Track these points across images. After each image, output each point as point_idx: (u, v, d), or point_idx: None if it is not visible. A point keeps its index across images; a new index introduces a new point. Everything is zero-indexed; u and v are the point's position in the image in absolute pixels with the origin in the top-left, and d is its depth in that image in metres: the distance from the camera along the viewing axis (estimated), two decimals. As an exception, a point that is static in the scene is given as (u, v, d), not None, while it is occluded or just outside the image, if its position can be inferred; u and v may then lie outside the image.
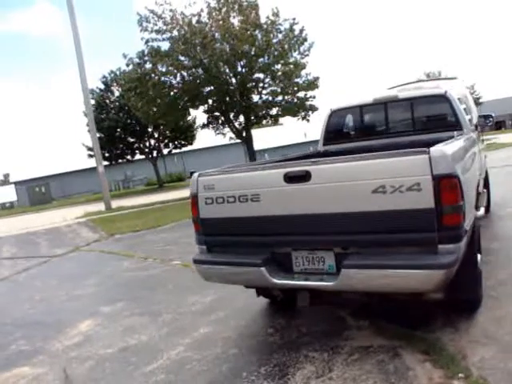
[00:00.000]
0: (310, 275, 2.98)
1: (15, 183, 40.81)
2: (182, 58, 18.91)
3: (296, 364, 3.15)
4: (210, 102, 20.26)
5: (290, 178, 2.92)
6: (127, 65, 19.71)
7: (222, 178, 3.28)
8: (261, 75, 19.61)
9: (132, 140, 35.97)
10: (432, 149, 2.58)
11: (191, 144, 39.14)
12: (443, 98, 4.90)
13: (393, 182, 2.59)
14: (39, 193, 34.73)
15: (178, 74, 19.18)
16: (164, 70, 18.82)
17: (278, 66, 19.72)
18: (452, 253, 2.55)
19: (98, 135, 33.72)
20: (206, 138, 37.05)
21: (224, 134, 22.59)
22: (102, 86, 34.53)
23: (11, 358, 4.15)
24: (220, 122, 21.87)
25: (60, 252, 9.70)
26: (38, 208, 29.23)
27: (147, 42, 19.06)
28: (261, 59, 19.37)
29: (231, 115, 20.73)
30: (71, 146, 36.39)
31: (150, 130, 34.80)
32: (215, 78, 18.81)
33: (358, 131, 5.60)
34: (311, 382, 2.91)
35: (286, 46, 18.71)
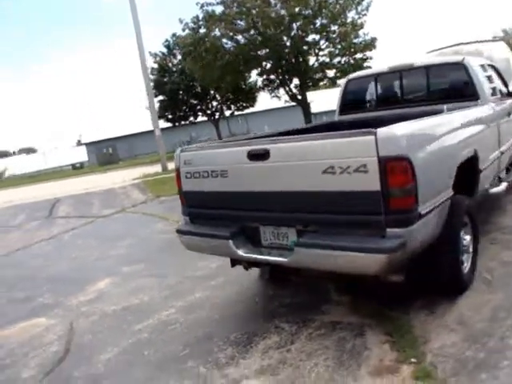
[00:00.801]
0: (274, 250, 3.06)
1: (86, 144, 43.30)
2: (236, 22, 18.79)
3: (264, 333, 3.30)
4: (265, 64, 20.06)
5: (252, 156, 2.98)
6: (183, 30, 19.93)
7: (197, 153, 3.42)
8: (316, 36, 19.03)
9: (194, 102, 36.58)
10: (379, 129, 2.51)
11: (253, 106, 39.18)
12: (460, 66, 4.65)
13: (341, 162, 2.57)
14: (107, 154, 36.67)
15: (232, 38, 19.10)
16: (218, 33, 18.82)
17: (335, 27, 19.02)
18: (399, 237, 2.51)
19: (161, 98, 35.06)
20: (268, 100, 36.96)
21: (279, 97, 22.41)
22: (165, 50, 35.13)
23: (35, 309, 4.68)
24: (275, 85, 21.68)
25: (107, 213, 10.39)
26: (104, 168, 30.93)
27: (202, 6, 19.09)
28: (317, 20, 18.78)
29: (286, 78, 20.45)
30: (138, 108, 37.76)
31: (212, 92, 35.15)
32: (269, 40, 18.55)
33: (374, 101, 5.47)
34: (270, 351, 3.05)
35: (341, 5, 17.93)
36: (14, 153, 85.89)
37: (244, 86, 33.03)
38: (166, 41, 34.84)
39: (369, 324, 3.22)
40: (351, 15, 18.74)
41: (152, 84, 33.83)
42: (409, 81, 5.25)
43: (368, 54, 19.52)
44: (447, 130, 3.18)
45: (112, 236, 7.87)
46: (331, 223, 2.74)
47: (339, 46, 19.48)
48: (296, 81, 20.34)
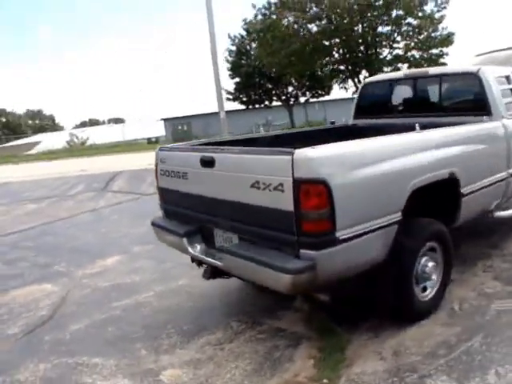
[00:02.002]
0: (222, 253, 3.25)
1: (164, 120, 45.23)
2: (308, 10, 18.62)
3: (213, 329, 3.53)
4: (335, 55, 19.77)
5: (203, 162, 3.19)
6: (255, 15, 20.11)
7: (169, 154, 3.70)
8: (388, 28, 18.38)
9: (270, 86, 36.78)
10: (297, 150, 2.58)
11: (328, 94, 38.62)
12: (474, 77, 4.38)
13: (264, 179, 2.68)
14: (181, 131, 38.18)
15: (303, 26, 18.99)
16: (289, 20, 18.79)
17: (411, 20, 18.23)
18: (310, 259, 2.58)
19: (237, 80, 35.66)
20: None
21: (346, 89, 22.00)
22: (244, 33, 35.52)
23: (47, 275, 5.27)
24: (344, 76, 21.29)
25: (152, 191, 11.03)
26: (177, 145, 32.32)
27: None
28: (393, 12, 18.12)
29: (355, 69, 20.02)
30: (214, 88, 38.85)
31: (287, 77, 35.17)
32: (341, 30, 18.23)
33: (387, 107, 5.32)
34: (207, 346, 3.29)
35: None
36: (103, 122, 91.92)
37: (320, 73, 32.71)
38: (245, 23, 35.27)
39: (309, 336, 3.33)
40: (429, 7, 17.81)
41: (229, 66, 34.76)
42: (423, 89, 5.06)
43: (444, 49, 18.48)
44: (391, 153, 3.05)
45: (145, 214, 8.35)
46: (258, 236, 2.88)
47: (415, 40, 18.67)
48: (365, 73, 19.82)
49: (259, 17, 19.80)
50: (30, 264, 5.80)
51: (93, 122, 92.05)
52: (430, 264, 3.41)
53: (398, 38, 19.40)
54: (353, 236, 2.71)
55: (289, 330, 3.44)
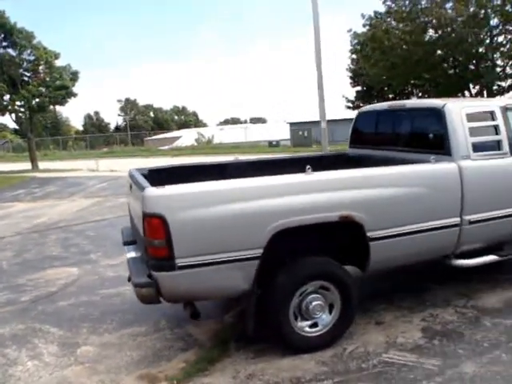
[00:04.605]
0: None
1: (290, 124, 46.73)
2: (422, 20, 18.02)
3: (142, 323, 4.37)
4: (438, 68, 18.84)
5: (130, 186, 4.09)
6: (363, 25, 20.08)
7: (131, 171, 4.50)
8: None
9: (390, 96, 35.82)
10: (147, 189, 3.23)
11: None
12: (438, 113, 4.27)
13: (141, 208, 3.30)
14: (302, 136, 39.06)
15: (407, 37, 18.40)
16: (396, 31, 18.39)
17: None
18: (153, 279, 3.24)
19: (358, 88, 35.38)
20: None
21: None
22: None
23: (81, 260, 6.71)
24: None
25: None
26: (295, 150, 33.29)
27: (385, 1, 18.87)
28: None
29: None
30: (336, 96, 39.03)
31: (409, 88, 33.92)
32: (451, 41, 17.33)
33: (373, 139, 5.47)
34: (125, 336, 4.14)
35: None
36: (245, 121, 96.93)
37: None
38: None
39: (203, 345, 3.87)
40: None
41: (350, 74, 34.66)
42: (400, 123, 5.13)
43: None
44: (242, 195, 3.33)
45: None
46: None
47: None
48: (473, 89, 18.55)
49: (367, 28, 19.66)
50: (77, 250, 7.31)
51: (235, 121, 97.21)
52: (316, 302, 3.60)
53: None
54: (196, 264, 3.20)
55: (195, 336, 4.08)
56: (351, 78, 34.29)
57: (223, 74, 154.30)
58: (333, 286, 3.67)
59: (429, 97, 33.89)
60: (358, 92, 35.22)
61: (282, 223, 3.36)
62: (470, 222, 4.16)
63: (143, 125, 79.09)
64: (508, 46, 17.80)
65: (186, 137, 54.95)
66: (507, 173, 4.41)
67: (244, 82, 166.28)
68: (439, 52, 17.86)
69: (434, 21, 17.11)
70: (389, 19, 18.43)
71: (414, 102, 5.13)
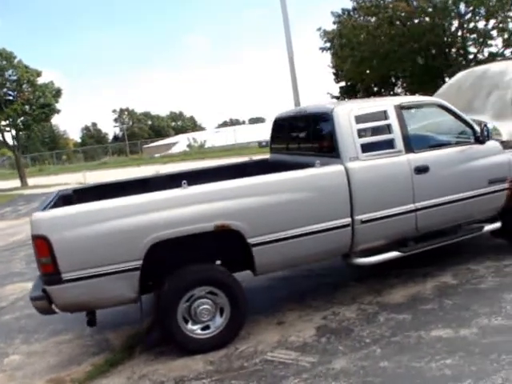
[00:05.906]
0: None
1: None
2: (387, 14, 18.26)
3: (68, 331, 4.79)
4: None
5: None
6: (333, 23, 20.33)
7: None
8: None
9: (376, 89, 35.96)
10: (34, 213, 3.59)
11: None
12: (328, 117, 4.43)
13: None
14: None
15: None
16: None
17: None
18: (45, 292, 3.63)
19: (342, 84, 35.44)
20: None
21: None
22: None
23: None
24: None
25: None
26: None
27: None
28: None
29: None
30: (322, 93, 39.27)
31: (393, 80, 34.05)
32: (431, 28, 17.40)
33: (286, 144, 5.65)
34: (51, 344, 4.59)
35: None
36: (243, 122, 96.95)
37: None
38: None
39: (115, 350, 4.23)
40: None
41: (333, 71, 34.74)
42: (302, 128, 5.37)
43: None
44: (116, 213, 3.67)
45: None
46: None
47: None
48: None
49: (336, 25, 19.92)
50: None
51: (234, 122, 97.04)
52: (203, 307, 3.89)
53: (494, 33, 18.02)
54: (82, 277, 3.59)
55: (111, 341, 4.44)
56: (334, 74, 34.43)
57: (220, 78, 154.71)
58: (220, 291, 3.93)
59: (411, 89, 34.37)
60: (341, 88, 35.33)
61: (157, 236, 3.69)
62: (363, 222, 4.30)
63: (141, 133, 79.66)
64: (476, 34, 17.99)
65: (182, 142, 55.12)
66: (400, 171, 4.48)
67: (244, 82, 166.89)
68: (407, 44, 18.06)
69: (398, 13, 17.35)
70: (356, 15, 18.64)
71: (312, 107, 5.27)
